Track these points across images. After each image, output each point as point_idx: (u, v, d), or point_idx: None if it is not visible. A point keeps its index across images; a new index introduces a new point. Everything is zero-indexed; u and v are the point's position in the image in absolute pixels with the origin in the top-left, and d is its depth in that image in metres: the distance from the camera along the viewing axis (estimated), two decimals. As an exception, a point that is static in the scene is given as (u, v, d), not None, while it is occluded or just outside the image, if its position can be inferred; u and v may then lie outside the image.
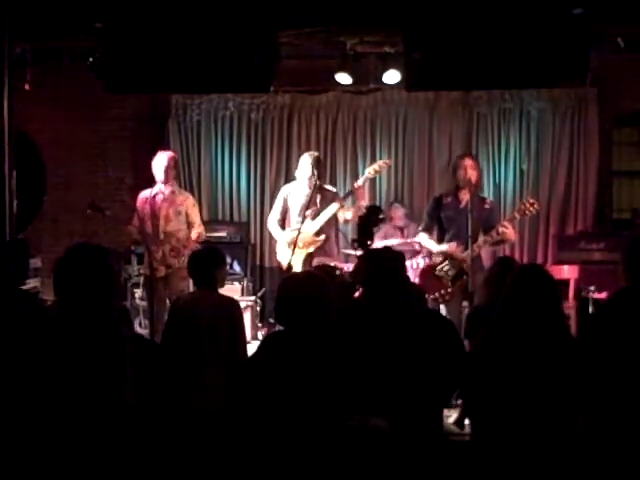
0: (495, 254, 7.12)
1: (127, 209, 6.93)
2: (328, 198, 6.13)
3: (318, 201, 6.08)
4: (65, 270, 2.76)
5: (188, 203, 6.18)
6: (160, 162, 6.08)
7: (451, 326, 3.64)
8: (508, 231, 5.65)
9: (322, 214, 6.04)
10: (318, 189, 6.05)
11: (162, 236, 5.97)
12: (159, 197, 6.06)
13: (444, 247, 5.77)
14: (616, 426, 3.05)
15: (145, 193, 6.14)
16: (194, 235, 6.04)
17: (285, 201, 6.28)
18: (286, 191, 6.35)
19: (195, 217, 6.17)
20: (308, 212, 6.01)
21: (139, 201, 6.13)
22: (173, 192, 6.14)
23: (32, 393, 2.66)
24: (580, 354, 3.05)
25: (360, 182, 6.19)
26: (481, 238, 5.71)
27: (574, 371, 2.97)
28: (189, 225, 6.11)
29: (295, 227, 6.03)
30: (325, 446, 2.80)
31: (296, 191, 6.22)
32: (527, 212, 5.74)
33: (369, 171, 6.28)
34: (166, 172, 6.05)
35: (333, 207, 6.03)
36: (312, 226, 6.03)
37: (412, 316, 3.48)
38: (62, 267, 2.78)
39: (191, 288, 5.93)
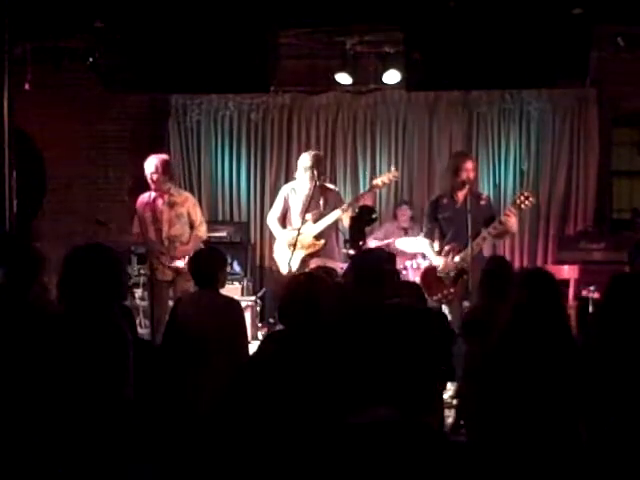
0: (495, 253, 7.12)
1: (127, 209, 6.92)
2: (331, 198, 6.09)
3: (321, 203, 6.02)
4: (74, 270, 2.73)
5: (189, 204, 6.04)
6: (147, 168, 5.88)
7: (439, 319, 3.65)
8: (511, 220, 5.61)
9: (324, 219, 5.97)
10: (320, 188, 6.00)
11: (166, 242, 5.87)
12: (159, 201, 5.92)
13: (440, 262, 5.77)
14: (619, 431, 3.04)
15: (144, 197, 6.00)
16: (200, 234, 5.98)
17: (286, 201, 6.22)
18: (287, 190, 6.29)
19: (196, 216, 6.03)
20: (309, 216, 5.96)
21: (139, 205, 6.00)
22: (172, 195, 5.98)
23: (33, 391, 2.66)
24: (583, 359, 3.05)
25: (376, 186, 6.20)
26: (484, 232, 5.69)
27: (579, 377, 2.97)
28: (191, 226, 6.01)
29: (296, 227, 6.00)
30: (327, 444, 2.80)
31: (297, 190, 6.17)
32: (522, 206, 5.70)
33: (376, 182, 6.22)
34: (154, 179, 5.84)
35: (336, 213, 5.96)
36: (313, 229, 5.98)
37: (400, 314, 3.49)
38: (71, 266, 2.74)
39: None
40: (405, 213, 7.60)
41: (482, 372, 3.17)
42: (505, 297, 3.31)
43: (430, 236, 5.98)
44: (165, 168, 5.93)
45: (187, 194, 6.28)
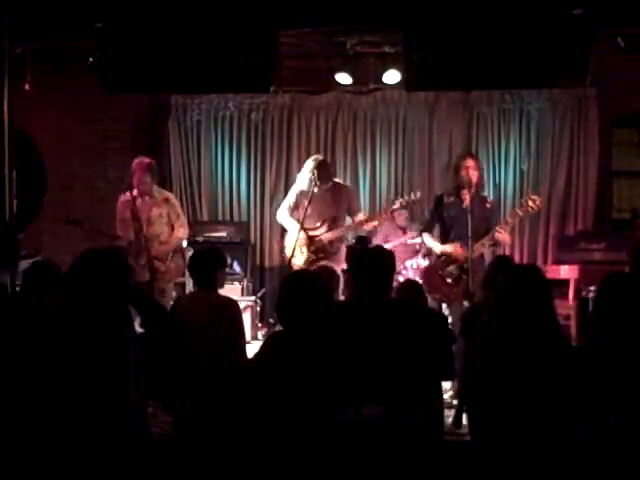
0: (495, 254, 7.11)
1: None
2: (343, 197, 6.19)
3: (333, 206, 6.12)
4: (80, 273, 2.79)
5: (168, 204, 6.01)
6: (132, 172, 5.91)
7: (440, 320, 3.66)
8: (502, 236, 5.68)
9: (338, 230, 6.13)
10: (331, 188, 6.08)
11: (143, 240, 5.80)
12: (139, 200, 5.88)
13: (448, 248, 5.74)
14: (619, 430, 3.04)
15: (125, 196, 5.94)
16: (179, 235, 5.96)
17: (297, 197, 6.23)
18: (299, 187, 6.27)
19: (176, 217, 5.99)
20: (322, 222, 6.10)
21: (119, 205, 5.97)
22: (152, 195, 5.97)
23: (34, 390, 2.67)
24: (574, 353, 3.04)
25: (397, 205, 6.41)
26: (483, 239, 5.71)
27: (567, 371, 2.97)
28: (171, 225, 5.97)
29: (310, 227, 6.08)
30: (327, 444, 2.80)
31: (304, 192, 6.15)
32: (530, 209, 5.72)
33: (400, 201, 6.41)
34: (137, 184, 5.86)
35: (349, 226, 6.16)
36: (327, 236, 6.13)
37: (398, 313, 3.50)
38: (77, 270, 2.81)
39: (174, 293, 5.97)
40: (401, 212, 7.58)
41: (470, 371, 3.17)
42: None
43: (429, 230, 5.97)
44: (151, 172, 5.93)
45: (168, 194, 6.24)
